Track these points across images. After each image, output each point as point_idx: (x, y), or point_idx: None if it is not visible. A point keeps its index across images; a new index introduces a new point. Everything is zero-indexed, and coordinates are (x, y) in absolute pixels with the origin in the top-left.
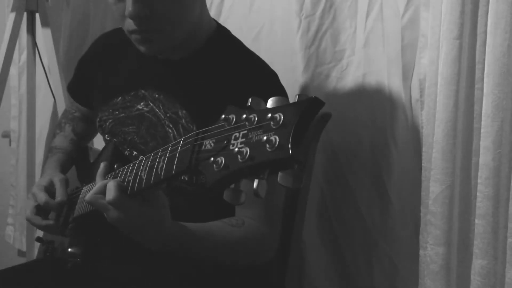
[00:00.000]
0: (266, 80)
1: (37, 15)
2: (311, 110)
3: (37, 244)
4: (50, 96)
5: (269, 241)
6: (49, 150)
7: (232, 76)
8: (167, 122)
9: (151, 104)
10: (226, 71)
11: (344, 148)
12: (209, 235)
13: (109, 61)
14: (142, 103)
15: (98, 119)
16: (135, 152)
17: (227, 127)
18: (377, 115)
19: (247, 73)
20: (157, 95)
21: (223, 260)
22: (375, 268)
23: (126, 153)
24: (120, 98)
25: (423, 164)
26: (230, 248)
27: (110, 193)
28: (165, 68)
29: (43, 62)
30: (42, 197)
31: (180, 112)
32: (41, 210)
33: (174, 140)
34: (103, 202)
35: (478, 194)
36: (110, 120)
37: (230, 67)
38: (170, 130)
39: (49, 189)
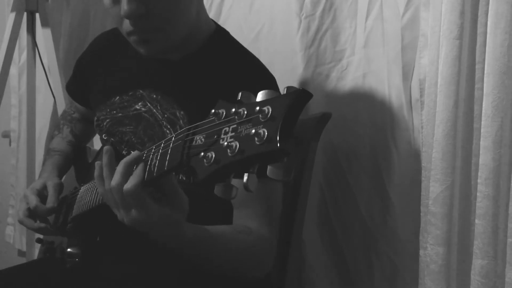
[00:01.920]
0: (264, 83)
1: (37, 15)
2: (299, 102)
3: (38, 245)
4: (50, 96)
5: (272, 249)
6: (47, 152)
7: (229, 78)
8: (164, 123)
9: (149, 105)
10: (224, 73)
11: (344, 148)
12: (221, 239)
13: (108, 60)
14: (140, 103)
15: (95, 119)
16: (132, 152)
17: (217, 122)
18: (377, 115)
19: (244, 75)
20: (154, 96)
21: (228, 268)
22: (375, 268)
23: (124, 152)
24: (117, 97)
25: (423, 164)
26: (238, 256)
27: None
28: (164, 68)
29: (43, 62)
30: (33, 200)
31: (177, 113)
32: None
33: None
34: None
35: (478, 194)
36: (108, 120)
37: (228, 69)
38: (167, 131)
39: (42, 193)
